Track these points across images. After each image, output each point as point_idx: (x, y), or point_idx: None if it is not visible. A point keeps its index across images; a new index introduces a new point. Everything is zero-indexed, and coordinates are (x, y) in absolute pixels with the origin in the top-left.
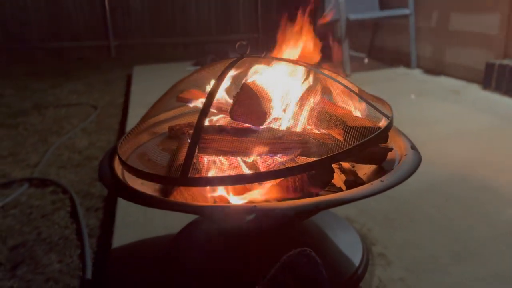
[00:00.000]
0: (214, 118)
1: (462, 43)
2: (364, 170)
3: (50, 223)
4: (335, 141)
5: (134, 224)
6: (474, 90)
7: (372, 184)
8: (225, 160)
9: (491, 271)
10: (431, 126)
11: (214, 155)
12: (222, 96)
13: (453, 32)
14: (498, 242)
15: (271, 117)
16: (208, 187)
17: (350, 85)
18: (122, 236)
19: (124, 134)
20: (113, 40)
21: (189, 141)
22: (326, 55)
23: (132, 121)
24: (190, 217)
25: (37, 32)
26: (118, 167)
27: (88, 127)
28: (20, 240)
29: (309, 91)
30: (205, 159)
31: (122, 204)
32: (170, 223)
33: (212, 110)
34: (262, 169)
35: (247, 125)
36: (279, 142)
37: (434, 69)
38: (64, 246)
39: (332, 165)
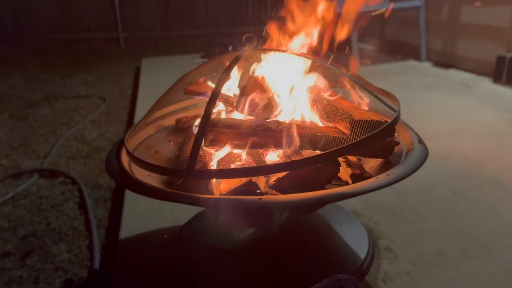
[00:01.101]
0: (221, 111)
1: (473, 36)
2: (371, 163)
3: (60, 214)
4: (341, 134)
5: (141, 216)
6: (485, 84)
7: (378, 177)
8: (231, 153)
9: (500, 265)
10: (440, 120)
11: (220, 148)
12: (228, 89)
13: (464, 25)
14: (507, 237)
15: (277, 110)
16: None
17: (357, 78)
18: (129, 227)
19: (132, 126)
20: (122, 32)
21: (195, 133)
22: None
23: (140, 113)
24: (197, 209)
25: (47, 23)
26: (125, 159)
27: (97, 118)
28: (30, 230)
29: (315, 84)
30: (211, 152)
31: (130, 196)
32: (177, 214)
33: (219, 102)
34: (268, 162)
35: (253, 117)
36: (285, 135)
37: (444, 62)
38: (73, 236)
39: (338, 158)
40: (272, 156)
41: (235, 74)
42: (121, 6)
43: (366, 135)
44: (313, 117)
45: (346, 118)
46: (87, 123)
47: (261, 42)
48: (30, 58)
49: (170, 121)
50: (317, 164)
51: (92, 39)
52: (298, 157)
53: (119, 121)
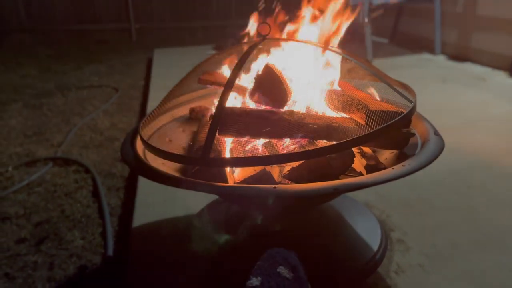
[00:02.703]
0: (235, 100)
1: (489, 29)
2: (385, 155)
3: (73, 201)
4: (356, 125)
5: (154, 204)
6: (501, 77)
7: (393, 168)
8: (245, 141)
9: None
10: (455, 113)
11: (234, 137)
12: (243, 77)
13: (480, 18)
14: None
15: (292, 99)
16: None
17: (373, 69)
18: (142, 216)
19: (144, 116)
20: (134, 23)
21: (210, 122)
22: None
23: (152, 103)
24: (210, 198)
25: (60, 14)
26: (139, 147)
27: (109, 108)
28: (45, 217)
29: (331, 74)
30: (226, 141)
31: (143, 184)
32: (190, 203)
33: (233, 92)
34: (282, 151)
35: (267, 107)
36: (300, 124)
37: (459, 55)
38: (87, 223)
39: (353, 149)
40: (287, 146)
41: (250, 63)
42: None
43: (382, 126)
44: (328, 107)
45: (361, 108)
46: (99, 113)
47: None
48: (42, 48)
49: (184, 110)
50: (331, 154)
51: (104, 30)
52: (313, 147)
53: (131, 111)
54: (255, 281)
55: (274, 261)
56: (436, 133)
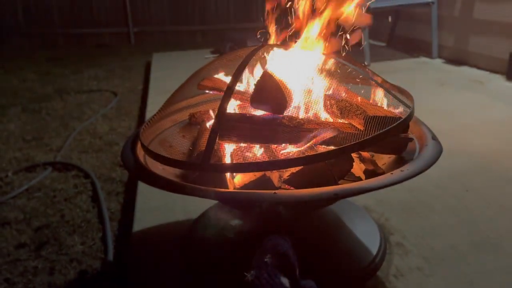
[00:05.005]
0: (235, 106)
1: (486, 33)
2: (384, 160)
3: (73, 206)
4: (355, 130)
5: (154, 209)
6: (498, 81)
7: (392, 173)
8: (245, 147)
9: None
10: (452, 117)
11: (234, 142)
12: (243, 84)
13: (477, 21)
14: None
15: (291, 105)
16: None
17: (371, 74)
18: (142, 220)
19: (143, 121)
20: (132, 27)
21: (210, 128)
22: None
23: (151, 107)
24: (209, 203)
25: (59, 18)
26: (140, 153)
27: (108, 113)
28: (44, 222)
29: (329, 80)
30: (226, 146)
31: (143, 189)
32: (190, 208)
33: (233, 97)
34: (281, 157)
35: (267, 113)
36: (299, 130)
37: (456, 59)
38: (87, 228)
39: (352, 154)
40: (286, 151)
41: (250, 69)
42: (131, 1)
43: (380, 131)
44: (327, 113)
45: (360, 114)
46: (98, 117)
47: (275, 37)
48: (41, 52)
49: (184, 115)
50: (330, 160)
51: (102, 34)
52: (312, 152)
53: (130, 116)
54: (249, 276)
55: (264, 250)
56: (434, 137)
